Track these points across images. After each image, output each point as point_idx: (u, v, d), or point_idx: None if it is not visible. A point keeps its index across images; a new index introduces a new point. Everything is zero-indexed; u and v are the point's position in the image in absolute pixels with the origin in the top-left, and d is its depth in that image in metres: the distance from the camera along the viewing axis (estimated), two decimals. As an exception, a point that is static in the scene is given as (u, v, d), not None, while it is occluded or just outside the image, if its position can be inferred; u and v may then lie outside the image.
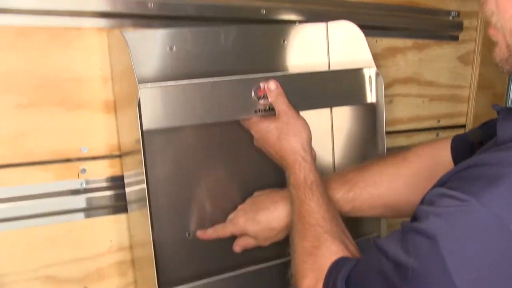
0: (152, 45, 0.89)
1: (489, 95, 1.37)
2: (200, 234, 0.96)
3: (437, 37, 1.27)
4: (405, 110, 1.26)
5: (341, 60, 1.06)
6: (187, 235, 0.97)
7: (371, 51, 1.02)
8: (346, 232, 0.81)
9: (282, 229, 0.93)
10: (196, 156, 0.96)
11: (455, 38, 1.30)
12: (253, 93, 0.89)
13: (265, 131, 0.91)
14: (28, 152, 0.86)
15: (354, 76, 1.01)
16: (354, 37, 1.03)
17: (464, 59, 1.33)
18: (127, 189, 0.92)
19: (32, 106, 0.85)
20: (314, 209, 0.81)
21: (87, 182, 0.92)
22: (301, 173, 0.86)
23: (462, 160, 0.66)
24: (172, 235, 0.95)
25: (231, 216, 0.97)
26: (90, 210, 0.93)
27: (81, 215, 0.93)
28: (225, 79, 0.87)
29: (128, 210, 0.94)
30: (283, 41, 1.02)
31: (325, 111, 1.10)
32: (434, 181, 0.68)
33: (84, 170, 0.91)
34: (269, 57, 1.02)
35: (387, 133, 1.17)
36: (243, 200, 0.99)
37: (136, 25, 0.91)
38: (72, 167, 0.90)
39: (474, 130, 0.89)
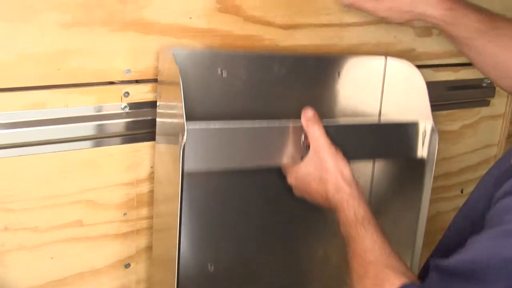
0: (202, 66, 0.87)
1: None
2: None
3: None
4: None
5: (395, 101, 1.02)
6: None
7: None
8: (402, 261, 0.78)
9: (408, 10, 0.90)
10: (232, 198, 0.95)
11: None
12: (302, 138, 0.88)
13: (305, 175, 0.88)
14: (71, 73, 0.83)
15: (407, 129, 0.97)
16: (413, 81, 0.98)
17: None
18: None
19: (76, 25, 0.80)
20: (369, 246, 0.79)
21: (130, 106, 0.88)
22: (350, 211, 0.83)
23: None
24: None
25: None
26: (132, 135, 0.90)
27: (122, 139, 0.90)
28: (276, 125, 0.86)
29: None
30: (338, 74, 0.98)
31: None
32: None
33: (127, 94, 0.88)
34: (321, 90, 1.00)
35: (433, 66, 1.13)
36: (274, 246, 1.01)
37: None
38: (115, 90, 0.87)
39: None
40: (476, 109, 1.31)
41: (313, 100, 0.96)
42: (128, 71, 0.87)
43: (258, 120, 0.86)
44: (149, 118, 0.90)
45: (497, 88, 1.27)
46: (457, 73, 1.24)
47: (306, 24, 1.00)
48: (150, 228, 0.96)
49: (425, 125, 0.97)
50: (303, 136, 0.88)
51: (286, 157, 0.89)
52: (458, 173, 1.35)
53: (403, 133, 0.98)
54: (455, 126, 1.29)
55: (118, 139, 0.90)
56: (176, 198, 0.77)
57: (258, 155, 0.87)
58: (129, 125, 0.89)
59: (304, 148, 0.88)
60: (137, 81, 0.89)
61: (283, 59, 0.94)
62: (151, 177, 0.94)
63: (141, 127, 0.90)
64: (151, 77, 0.89)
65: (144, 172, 0.93)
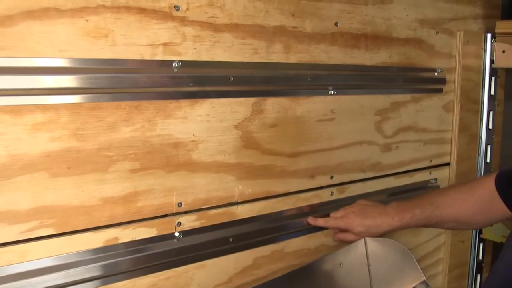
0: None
1: (466, 136, 1.62)
2: (311, 220, 1.22)
3: (427, 91, 1.50)
4: (407, 153, 1.48)
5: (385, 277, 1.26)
6: None
7: (381, 106, 1.25)
8: None
9: (377, 234, 1.23)
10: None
11: (440, 91, 1.54)
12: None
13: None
14: (138, 210, 0.98)
15: None
16: (395, 252, 1.25)
17: (446, 107, 1.57)
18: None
19: (142, 170, 0.98)
20: None
21: (183, 233, 1.04)
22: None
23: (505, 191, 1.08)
24: None
25: (338, 214, 1.24)
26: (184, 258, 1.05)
27: (177, 262, 1.05)
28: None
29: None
30: (340, 264, 1.23)
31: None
32: (491, 206, 1.13)
33: (179, 223, 1.04)
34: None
35: (395, 174, 1.39)
36: None
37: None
38: (169, 221, 1.03)
39: None
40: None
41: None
42: (180, 204, 1.03)
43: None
44: (198, 242, 1.06)
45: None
46: (412, 177, 1.51)
47: (304, 151, 1.22)
48: None
49: (420, 286, 1.22)
50: None
51: None
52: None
53: None
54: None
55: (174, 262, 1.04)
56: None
57: None
58: (181, 250, 1.04)
59: None
60: (186, 212, 1.05)
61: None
62: (199, 294, 1.08)
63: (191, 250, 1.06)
64: (197, 207, 1.06)
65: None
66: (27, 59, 0.82)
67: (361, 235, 1.22)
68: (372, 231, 1.22)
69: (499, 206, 1.15)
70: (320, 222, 1.23)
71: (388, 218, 1.21)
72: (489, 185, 1.18)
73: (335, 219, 1.23)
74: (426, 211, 1.21)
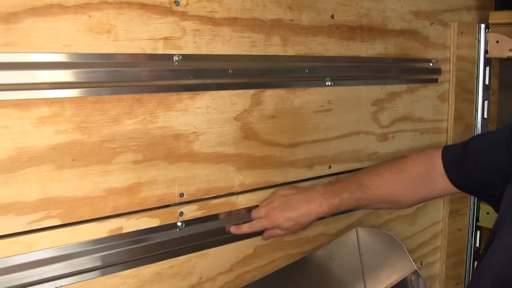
0: None
1: (461, 126, 1.64)
2: (234, 229, 1.13)
3: (423, 81, 1.53)
4: (403, 143, 1.50)
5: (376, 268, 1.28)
6: None
7: (377, 97, 1.28)
8: None
9: (308, 223, 1.17)
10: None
11: (435, 81, 1.56)
12: None
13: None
14: (141, 201, 1.01)
15: None
16: (387, 243, 1.26)
17: (442, 97, 1.59)
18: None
19: (145, 161, 1.00)
20: None
21: (185, 223, 1.07)
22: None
23: (453, 167, 1.09)
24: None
25: (261, 213, 1.15)
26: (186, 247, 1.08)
27: (180, 251, 1.07)
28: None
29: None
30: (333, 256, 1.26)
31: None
32: (428, 183, 1.12)
33: (182, 213, 1.06)
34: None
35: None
36: None
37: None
38: (172, 211, 1.05)
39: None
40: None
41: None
42: (182, 194, 1.06)
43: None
44: (200, 231, 1.09)
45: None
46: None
47: (302, 141, 1.25)
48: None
49: (411, 276, 1.24)
50: None
51: None
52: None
53: None
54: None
55: (177, 251, 1.07)
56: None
57: None
58: (183, 240, 1.07)
59: None
60: (188, 202, 1.07)
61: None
62: (201, 281, 1.11)
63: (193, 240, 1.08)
64: (198, 197, 1.08)
65: (195, 278, 1.10)
66: (32, 55, 0.84)
67: (291, 230, 1.16)
68: (301, 221, 1.15)
69: (440, 182, 1.15)
70: (245, 228, 1.14)
71: (315, 205, 1.14)
72: (427, 162, 1.18)
73: (260, 221, 1.14)
74: (356, 194, 1.16)
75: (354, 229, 1.26)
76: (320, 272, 1.22)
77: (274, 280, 1.15)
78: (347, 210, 1.28)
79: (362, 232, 1.26)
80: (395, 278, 1.24)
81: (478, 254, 1.75)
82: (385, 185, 1.19)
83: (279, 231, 1.16)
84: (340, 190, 1.16)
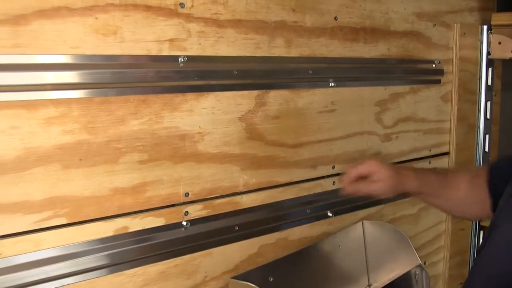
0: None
1: (464, 126, 1.66)
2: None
3: (426, 82, 1.54)
4: (407, 143, 1.51)
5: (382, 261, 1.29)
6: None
7: (380, 98, 1.29)
8: None
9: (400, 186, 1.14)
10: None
11: (438, 82, 1.57)
12: None
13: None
14: (146, 200, 1.02)
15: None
16: (392, 236, 1.27)
17: (445, 98, 1.61)
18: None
19: (150, 161, 1.01)
20: None
21: (190, 222, 1.08)
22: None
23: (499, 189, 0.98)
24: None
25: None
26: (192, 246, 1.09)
27: (185, 250, 1.09)
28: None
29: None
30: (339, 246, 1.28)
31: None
32: (476, 201, 1.08)
33: (187, 213, 1.07)
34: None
35: (395, 163, 1.43)
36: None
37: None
38: (177, 211, 1.06)
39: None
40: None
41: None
42: (187, 193, 1.07)
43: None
44: (205, 231, 1.10)
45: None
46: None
47: (306, 142, 1.26)
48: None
49: (415, 270, 1.25)
50: None
51: None
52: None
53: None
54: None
55: (182, 250, 1.08)
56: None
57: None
58: (188, 239, 1.08)
59: None
60: (192, 202, 1.09)
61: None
62: (205, 281, 1.12)
63: (198, 239, 1.09)
64: (203, 197, 1.10)
65: (200, 276, 1.11)
66: (40, 56, 0.86)
67: (386, 181, 1.11)
68: (397, 179, 1.12)
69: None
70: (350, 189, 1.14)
71: (409, 178, 1.13)
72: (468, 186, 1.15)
73: (355, 168, 1.13)
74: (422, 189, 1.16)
75: (361, 222, 1.26)
76: (325, 261, 1.23)
77: (279, 266, 1.16)
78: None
79: (368, 225, 1.27)
80: (399, 271, 1.24)
81: (481, 254, 1.76)
82: (439, 195, 1.18)
83: (374, 186, 1.14)
84: (423, 183, 1.15)
